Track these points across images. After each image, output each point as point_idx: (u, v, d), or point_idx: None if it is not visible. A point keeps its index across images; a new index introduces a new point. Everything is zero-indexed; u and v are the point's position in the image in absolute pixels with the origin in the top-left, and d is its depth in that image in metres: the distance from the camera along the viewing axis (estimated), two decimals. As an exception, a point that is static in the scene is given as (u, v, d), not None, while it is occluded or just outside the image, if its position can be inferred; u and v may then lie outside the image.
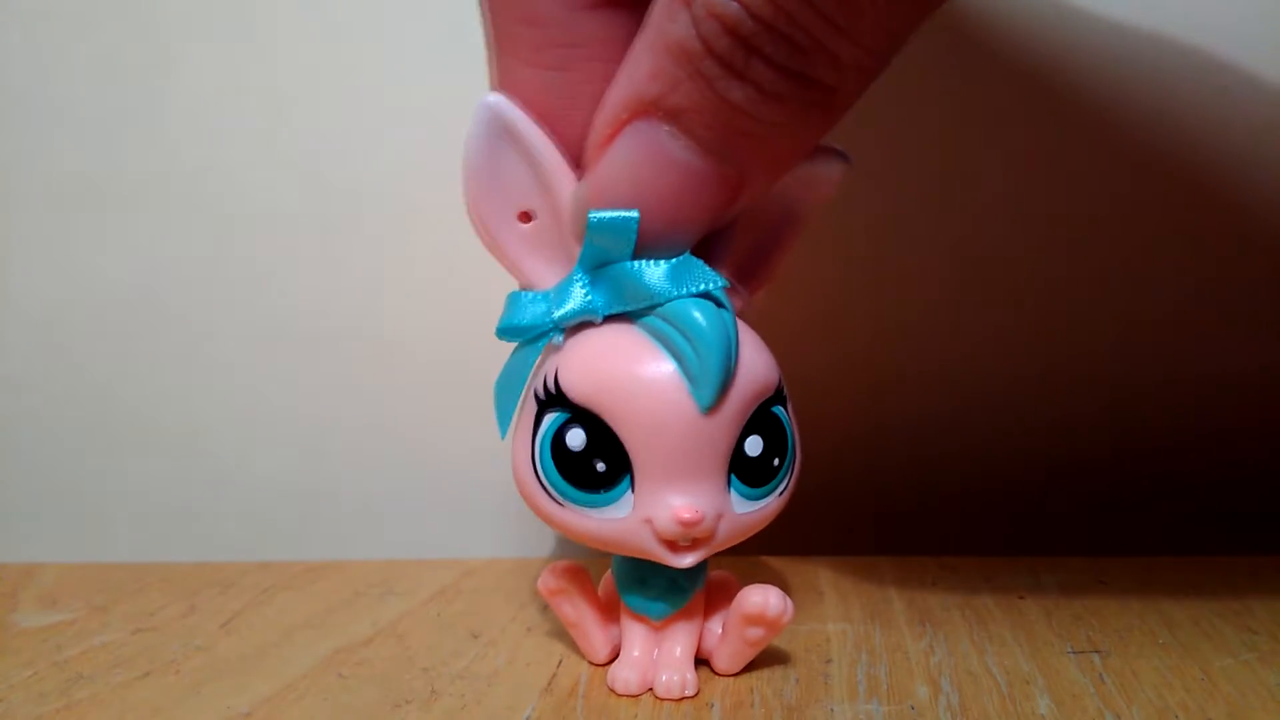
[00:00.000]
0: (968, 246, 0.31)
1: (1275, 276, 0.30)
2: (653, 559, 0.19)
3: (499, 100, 0.19)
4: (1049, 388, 0.31)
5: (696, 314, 0.17)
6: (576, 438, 0.18)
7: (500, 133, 0.19)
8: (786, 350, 0.21)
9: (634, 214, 0.17)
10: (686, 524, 0.18)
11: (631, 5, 0.18)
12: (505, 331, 0.20)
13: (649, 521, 0.18)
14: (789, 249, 0.21)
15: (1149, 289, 0.31)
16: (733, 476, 0.18)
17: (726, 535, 0.19)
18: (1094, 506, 0.32)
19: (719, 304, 0.18)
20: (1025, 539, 0.31)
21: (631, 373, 0.18)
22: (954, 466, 0.32)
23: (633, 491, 0.18)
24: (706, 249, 0.20)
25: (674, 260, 0.18)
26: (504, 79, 0.19)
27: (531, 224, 0.19)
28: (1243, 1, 0.29)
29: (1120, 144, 0.30)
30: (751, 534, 0.19)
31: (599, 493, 0.18)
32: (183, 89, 0.32)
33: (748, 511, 0.19)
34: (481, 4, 0.19)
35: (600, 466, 0.18)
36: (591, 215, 0.18)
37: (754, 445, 0.19)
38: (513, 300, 0.20)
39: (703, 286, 0.18)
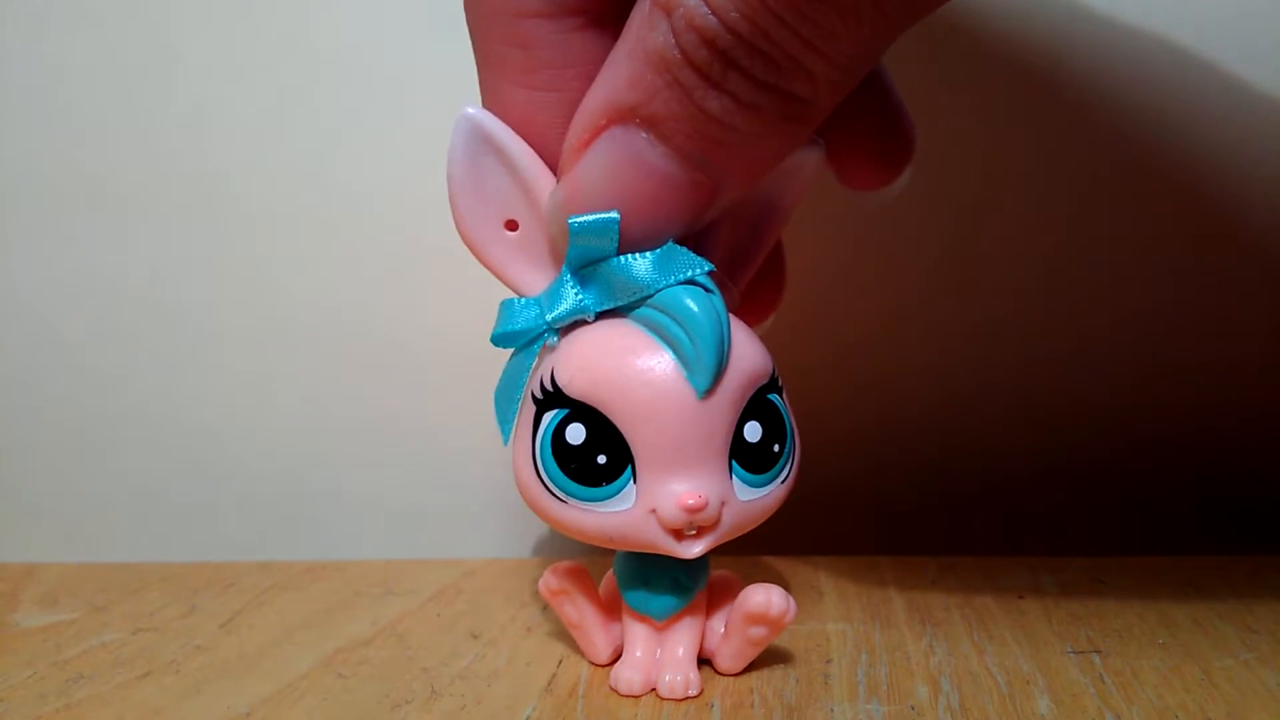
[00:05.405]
0: (967, 244, 0.31)
1: (1272, 269, 0.30)
2: (659, 551, 0.19)
3: (477, 112, 0.19)
4: (1049, 387, 0.31)
5: (688, 300, 0.18)
6: (576, 433, 0.18)
7: (480, 144, 0.19)
8: (785, 348, 0.21)
9: (613, 215, 0.18)
10: (691, 510, 0.18)
11: (619, 24, 0.18)
12: (500, 339, 0.20)
13: (653, 512, 0.18)
14: (772, 241, 0.21)
15: (1147, 286, 0.31)
16: (734, 463, 0.19)
17: (732, 523, 0.19)
18: (1094, 506, 0.32)
19: (707, 289, 0.18)
20: (1025, 539, 0.31)
21: (627, 364, 0.18)
22: (954, 466, 0.32)
23: (635, 483, 0.18)
24: (693, 245, 0.20)
25: (659, 251, 0.18)
26: (493, 99, 0.19)
27: (518, 232, 0.20)
28: (1240, 1, 0.29)
29: (1117, 142, 0.30)
30: (758, 523, 0.19)
31: (601, 486, 0.18)
32: (184, 88, 0.32)
33: (752, 499, 0.19)
34: (469, 26, 0.19)
35: (601, 459, 0.18)
36: (572, 221, 0.18)
37: (753, 431, 0.19)
38: (505, 308, 0.20)
39: (689, 273, 0.18)
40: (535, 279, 0.20)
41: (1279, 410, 0.31)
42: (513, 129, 0.19)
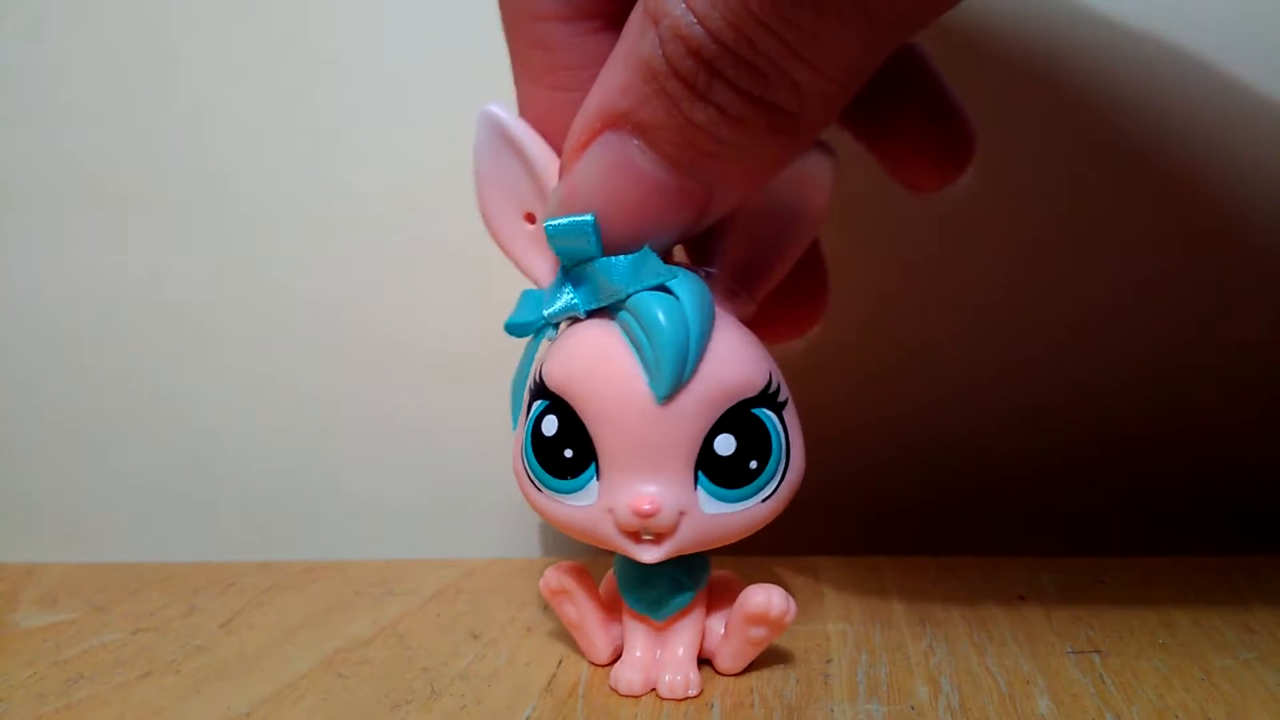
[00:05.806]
0: (967, 243, 0.31)
1: (1272, 270, 0.30)
2: (617, 550, 0.19)
3: (495, 110, 0.20)
4: (1048, 387, 0.31)
5: (655, 306, 0.18)
6: (550, 424, 0.19)
7: (499, 139, 0.20)
8: (783, 348, 0.21)
9: (588, 217, 0.18)
10: (643, 515, 0.18)
11: None
12: (510, 327, 0.21)
13: (610, 510, 0.18)
14: (795, 252, 0.21)
15: (1148, 285, 0.31)
16: (700, 474, 0.18)
17: (694, 534, 0.19)
18: (1093, 506, 0.32)
19: (679, 297, 0.18)
20: (1025, 539, 0.31)
21: (595, 363, 0.18)
22: (954, 466, 0.32)
23: (598, 480, 0.19)
24: (699, 251, 0.20)
25: (633, 255, 0.18)
26: (521, 99, 0.20)
27: (536, 225, 0.20)
28: (1240, 1, 0.29)
29: (1116, 142, 0.30)
30: (732, 539, 0.19)
31: (567, 479, 0.19)
32: (184, 88, 0.32)
33: (720, 513, 0.19)
34: (503, 26, 0.20)
35: (568, 453, 0.19)
36: (547, 223, 0.18)
37: (725, 444, 0.18)
38: (523, 298, 0.21)
39: (657, 280, 0.18)
40: (548, 271, 0.20)
41: (1279, 410, 0.31)
42: (539, 125, 0.20)
